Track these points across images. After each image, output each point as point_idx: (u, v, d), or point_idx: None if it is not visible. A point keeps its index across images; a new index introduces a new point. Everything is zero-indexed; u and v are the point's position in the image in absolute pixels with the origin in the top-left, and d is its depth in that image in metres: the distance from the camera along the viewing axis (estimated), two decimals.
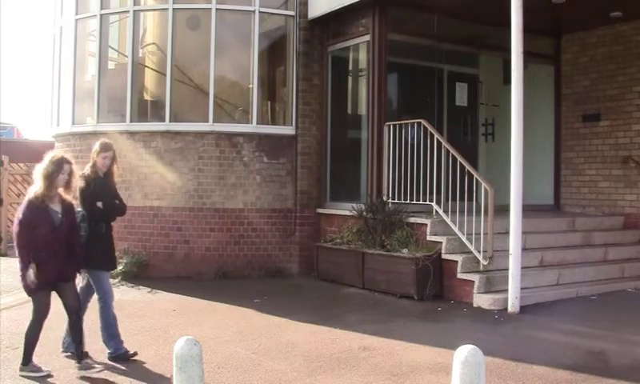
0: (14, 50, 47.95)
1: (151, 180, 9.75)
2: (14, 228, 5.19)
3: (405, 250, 8.17)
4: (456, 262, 7.85)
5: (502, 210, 7.56)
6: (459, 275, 7.78)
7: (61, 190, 5.28)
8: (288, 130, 10.11)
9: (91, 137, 10.32)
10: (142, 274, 9.34)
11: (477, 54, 10.92)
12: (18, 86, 48.34)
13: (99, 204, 5.65)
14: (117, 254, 9.35)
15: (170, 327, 6.71)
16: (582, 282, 8.21)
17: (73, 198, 5.42)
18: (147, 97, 10.93)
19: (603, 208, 10.17)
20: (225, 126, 9.89)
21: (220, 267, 9.59)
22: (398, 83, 10.80)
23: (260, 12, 9.88)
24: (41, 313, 5.23)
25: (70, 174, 5.27)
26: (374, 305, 7.79)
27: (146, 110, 10.65)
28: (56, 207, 5.24)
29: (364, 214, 8.84)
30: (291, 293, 8.68)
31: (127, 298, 8.29)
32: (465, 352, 3.50)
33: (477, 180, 7.88)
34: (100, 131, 10.17)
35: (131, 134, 9.89)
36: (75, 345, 5.42)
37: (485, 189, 7.69)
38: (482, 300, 7.46)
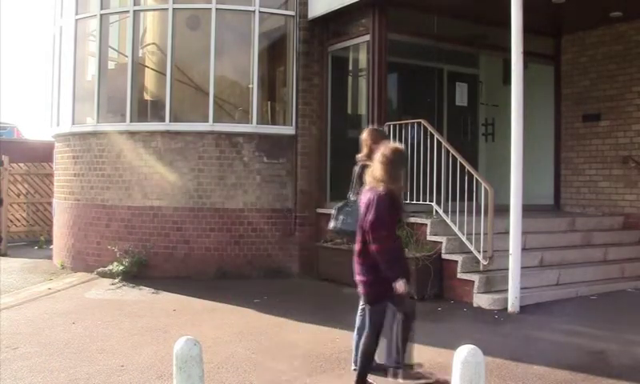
0: (14, 50, 47.99)
1: (151, 180, 9.76)
2: (380, 242, 4.49)
3: (405, 250, 8.15)
4: (456, 261, 7.85)
5: (502, 209, 7.55)
6: (459, 275, 7.79)
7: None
8: (288, 130, 10.11)
9: (91, 137, 10.37)
10: (142, 274, 9.34)
11: (477, 53, 10.92)
12: (18, 86, 48.40)
13: None
14: (118, 253, 9.56)
15: (170, 327, 6.71)
16: (581, 281, 8.21)
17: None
18: (147, 97, 10.93)
19: (603, 208, 10.17)
20: (225, 125, 9.89)
21: (220, 267, 9.59)
22: (398, 83, 10.80)
23: (260, 12, 9.88)
24: (381, 323, 4.69)
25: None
26: None
27: (145, 109, 10.65)
28: None
29: None
30: (291, 293, 8.68)
31: (127, 297, 8.31)
32: (465, 352, 3.50)
33: (477, 180, 7.88)
34: (100, 131, 10.20)
35: (131, 134, 9.89)
36: (399, 355, 4.84)
37: (485, 189, 7.69)
38: (482, 300, 7.46)
